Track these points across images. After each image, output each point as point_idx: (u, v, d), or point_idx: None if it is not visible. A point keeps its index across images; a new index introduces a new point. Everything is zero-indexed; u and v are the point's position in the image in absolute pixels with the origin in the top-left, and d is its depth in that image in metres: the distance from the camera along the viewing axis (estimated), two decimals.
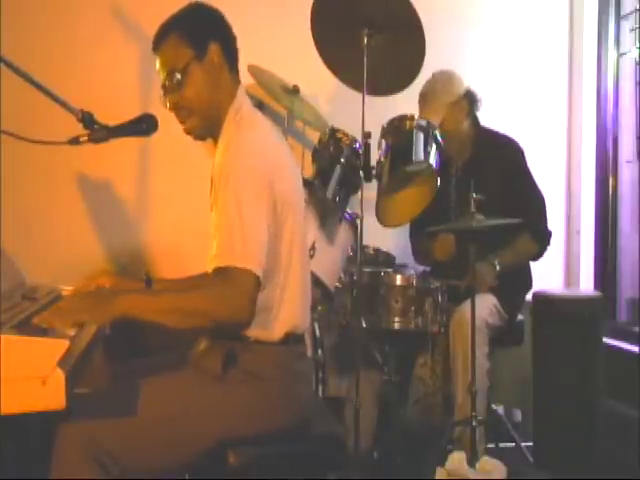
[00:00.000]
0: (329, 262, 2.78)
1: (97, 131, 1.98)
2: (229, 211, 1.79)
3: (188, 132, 2.00)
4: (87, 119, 1.99)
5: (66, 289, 2.24)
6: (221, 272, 1.76)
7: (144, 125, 2.00)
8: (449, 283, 2.99)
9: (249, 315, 1.76)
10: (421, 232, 3.19)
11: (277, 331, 1.88)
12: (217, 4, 2.02)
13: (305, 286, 1.98)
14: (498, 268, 3.04)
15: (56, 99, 2.02)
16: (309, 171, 2.91)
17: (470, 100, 3.18)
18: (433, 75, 3.16)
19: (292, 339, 1.92)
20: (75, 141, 1.96)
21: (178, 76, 1.92)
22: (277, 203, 1.85)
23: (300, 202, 1.98)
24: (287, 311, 1.90)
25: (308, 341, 2.02)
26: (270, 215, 1.82)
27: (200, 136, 2.03)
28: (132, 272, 3.12)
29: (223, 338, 1.89)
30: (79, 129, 2.00)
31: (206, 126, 1.98)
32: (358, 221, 2.83)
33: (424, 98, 3.14)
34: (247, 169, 1.82)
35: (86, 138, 1.97)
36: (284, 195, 1.87)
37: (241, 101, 1.98)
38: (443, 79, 3.16)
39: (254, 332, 1.85)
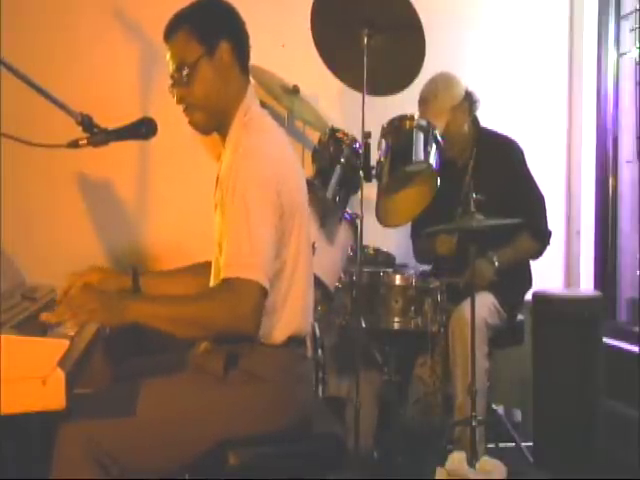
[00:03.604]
0: (329, 262, 2.78)
1: (96, 134, 1.98)
2: (237, 220, 1.79)
3: (193, 126, 1.99)
4: (86, 122, 1.99)
5: None
6: (228, 283, 1.76)
7: (143, 129, 2.00)
8: (448, 281, 2.99)
9: (255, 326, 1.77)
10: (421, 233, 3.19)
11: (280, 334, 1.88)
12: None
13: (309, 289, 1.98)
14: (497, 264, 3.04)
15: (56, 102, 2.01)
16: (309, 171, 2.91)
17: (470, 101, 3.18)
18: (432, 79, 3.15)
19: (294, 342, 1.92)
20: (74, 144, 1.96)
21: (187, 71, 1.91)
22: (285, 208, 1.84)
23: (305, 203, 1.98)
24: (290, 314, 1.90)
25: (308, 342, 2.02)
26: (277, 221, 1.82)
27: (205, 131, 2.02)
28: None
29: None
30: (79, 131, 1.99)
31: (212, 122, 1.98)
32: (358, 221, 2.83)
33: (425, 102, 3.12)
34: (255, 176, 1.82)
35: (85, 141, 1.97)
36: (291, 197, 1.87)
37: (250, 101, 1.98)
38: (444, 82, 3.15)
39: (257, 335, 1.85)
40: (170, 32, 1.95)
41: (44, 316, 1.79)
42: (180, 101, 1.95)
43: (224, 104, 1.95)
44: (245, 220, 1.78)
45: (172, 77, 1.95)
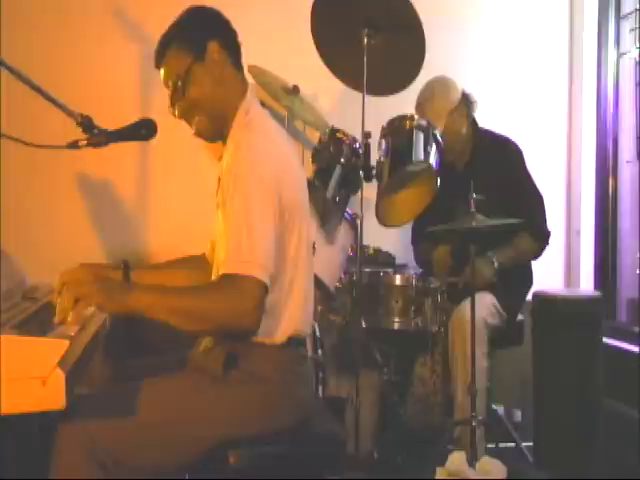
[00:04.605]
0: (329, 262, 2.78)
1: (96, 136, 1.98)
2: (237, 218, 1.79)
3: (198, 134, 1.99)
4: (86, 123, 1.98)
5: None
6: (229, 279, 1.75)
7: (143, 130, 1.99)
8: (448, 280, 2.99)
9: (256, 323, 1.76)
10: (422, 235, 3.19)
11: (280, 334, 1.88)
12: (217, 4, 2.01)
13: (309, 290, 1.98)
14: (496, 265, 3.04)
15: (56, 103, 2.01)
16: (309, 171, 2.91)
17: (467, 104, 3.18)
18: (428, 83, 3.14)
19: (294, 342, 1.92)
20: (74, 145, 1.95)
21: (180, 83, 1.92)
22: (285, 207, 1.84)
23: (305, 203, 1.98)
24: (291, 314, 1.90)
25: (308, 342, 2.02)
26: (278, 220, 1.82)
27: (210, 137, 2.02)
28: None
29: (225, 339, 1.90)
30: (79, 132, 1.99)
31: (214, 125, 1.97)
32: (358, 221, 2.83)
33: (422, 106, 3.12)
34: (255, 175, 1.81)
35: (85, 142, 1.97)
36: (292, 197, 1.87)
37: (250, 101, 1.98)
38: (440, 86, 3.14)
39: (258, 335, 1.84)
40: (161, 55, 1.96)
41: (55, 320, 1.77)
42: (181, 114, 1.96)
43: (223, 105, 1.95)
44: (245, 217, 1.78)
45: (171, 97, 1.95)
